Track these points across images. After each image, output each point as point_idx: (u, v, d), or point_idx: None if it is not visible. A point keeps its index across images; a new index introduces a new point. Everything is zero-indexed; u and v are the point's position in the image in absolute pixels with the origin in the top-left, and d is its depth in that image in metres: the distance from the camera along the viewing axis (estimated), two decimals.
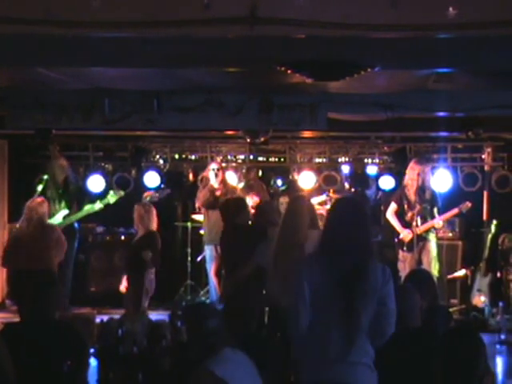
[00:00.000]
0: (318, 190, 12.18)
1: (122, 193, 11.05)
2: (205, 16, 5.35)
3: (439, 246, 10.73)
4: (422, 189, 10.42)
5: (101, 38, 5.75)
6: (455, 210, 10.77)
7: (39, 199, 9.53)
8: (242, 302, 6.40)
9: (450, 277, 11.57)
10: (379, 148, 12.35)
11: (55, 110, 9.38)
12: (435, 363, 4.38)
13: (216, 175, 11.08)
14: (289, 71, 6.97)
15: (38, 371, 5.09)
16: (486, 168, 12.03)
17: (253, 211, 9.16)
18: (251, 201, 11.19)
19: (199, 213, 11.84)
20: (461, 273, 11.70)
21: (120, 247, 12.21)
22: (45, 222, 9.32)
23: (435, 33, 5.53)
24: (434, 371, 4.39)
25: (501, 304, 10.39)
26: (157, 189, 12.09)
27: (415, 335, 5.19)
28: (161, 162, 12.57)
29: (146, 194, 11.80)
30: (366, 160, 12.45)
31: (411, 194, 10.44)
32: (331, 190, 12.31)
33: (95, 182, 11.90)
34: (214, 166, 11.23)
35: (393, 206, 10.62)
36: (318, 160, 12.64)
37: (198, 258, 11.97)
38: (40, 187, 10.22)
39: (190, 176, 12.85)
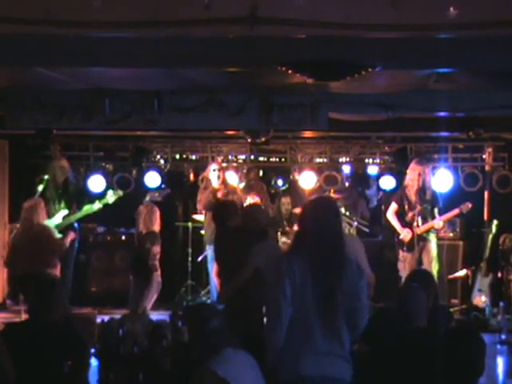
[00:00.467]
0: (319, 190, 12.17)
1: (120, 193, 11.03)
2: (205, 16, 5.35)
3: (440, 246, 10.73)
4: (422, 189, 10.42)
5: (101, 37, 5.75)
6: (456, 211, 10.76)
7: (33, 200, 9.48)
8: (242, 303, 6.42)
9: (450, 277, 11.57)
10: (380, 148, 12.34)
11: (55, 110, 9.39)
12: (436, 363, 4.39)
13: (218, 177, 11.07)
14: (289, 71, 6.96)
15: (39, 371, 5.09)
16: (487, 168, 12.03)
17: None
18: (252, 201, 11.19)
19: (200, 213, 11.83)
20: (461, 273, 11.70)
21: (121, 247, 12.22)
22: (36, 223, 9.22)
23: (435, 33, 5.53)
24: (435, 370, 4.40)
25: (501, 304, 10.37)
26: (157, 189, 12.10)
27: (420, 335, 5.19)
28: (161, 162, 12.57)
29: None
30: (366, 160, 12.45)
31: (412, 194, 10.43)
32: (332, 190, 12.30)
33: (96, 182, 11.91)
34: (214, 166, 11.21)
35: (393, 206, 10.61)
36: (318, 160, 12.64)
37: (199, 258, 11.96)
38: (41, 187, 10.20)
39: (191, 176, 12.86)
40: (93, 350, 6.03)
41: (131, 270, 9.48)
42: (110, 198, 10.74)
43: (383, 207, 11.99)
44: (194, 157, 12.73)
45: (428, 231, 10.41)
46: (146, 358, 6.13)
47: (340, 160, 12.58)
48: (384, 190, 12.24)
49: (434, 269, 10.18)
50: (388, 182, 11.95)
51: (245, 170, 12.62)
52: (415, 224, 10.32)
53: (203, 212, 11.45)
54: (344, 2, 5.44)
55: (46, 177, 10.47)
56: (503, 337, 9.86)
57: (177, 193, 12.86)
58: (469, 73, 8.00)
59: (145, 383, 6.09)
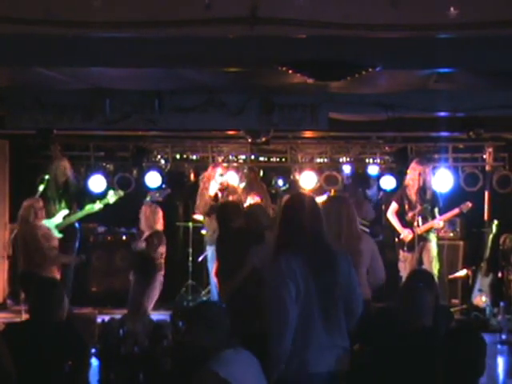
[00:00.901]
0: (319, 190, 12.16)
1: (121, 193, 11.05)
2: (205, 16, 5.35)
3: (440, 246, 10.74)
4: (423, 189, 10.43)
5: (101, 37, 5.74)
6: (456, 211, 10.77)
7: (31, 200, 9.46)
8: (241, 303, 6.42)
9: (451, 277, 11.58)
10: (380, 148, 12.35)
11: (55, 110, 9.39)
12: (437, 363, 4.39)
13: (221, 183, 11.12)
14: (289, 71, 6.96)
15: (39, 371, 5.09)
16: (487, 168, 12.03)
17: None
18: (252, 201, 11.19)
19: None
20: (462, 273, 11.70)
21: (121, 247, 12.23)
22: (30, 222, 9.20)
23: (435, 33, 5.52)
24: (435, 370, 4.40)
25: (502, 304, 10.38)
26: (158, 189, 12.10)
27: (422, 334, 5.19)
28: (162, 162, 12.57)
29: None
30: (367, 160, 12.45)
31: (412, 194, 10.44)
32: (332, 190, 12.29)
33: (96, 182, 11.91)
34: (220, 171, 11.26)
35: (394, 206, 10.62)
36: (319, 160, 12.64)
37: (200, 258, 11.96)
38: (41, 187, 10.21)
39: (191, 176, 12.86)
40: (93, 350, 6.02)
41: (135, 268, 9.45)
42: (111, 198, 10.76)
43: (383, 207, 11.99)
44: (194, 157, 12.73)
45: (428, 231, 10.42)
46: (146, 358, 6.12)
47: (340, 160, 12.58)
48: (384, 190, 12.25)
49: (435, 268, 10.19)
50: (388, 182, 11.95)
51: (245, 170, 12.62)
52: (415, 224, 10.33)
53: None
54: (344, 1, 5.44)
55: (47, 177, 10.48)
56: (503, 337, 9.87)
57: (177, 193, 12.86)
58: (469, 73, 7.99)
59: (145, 383, 6.08)
